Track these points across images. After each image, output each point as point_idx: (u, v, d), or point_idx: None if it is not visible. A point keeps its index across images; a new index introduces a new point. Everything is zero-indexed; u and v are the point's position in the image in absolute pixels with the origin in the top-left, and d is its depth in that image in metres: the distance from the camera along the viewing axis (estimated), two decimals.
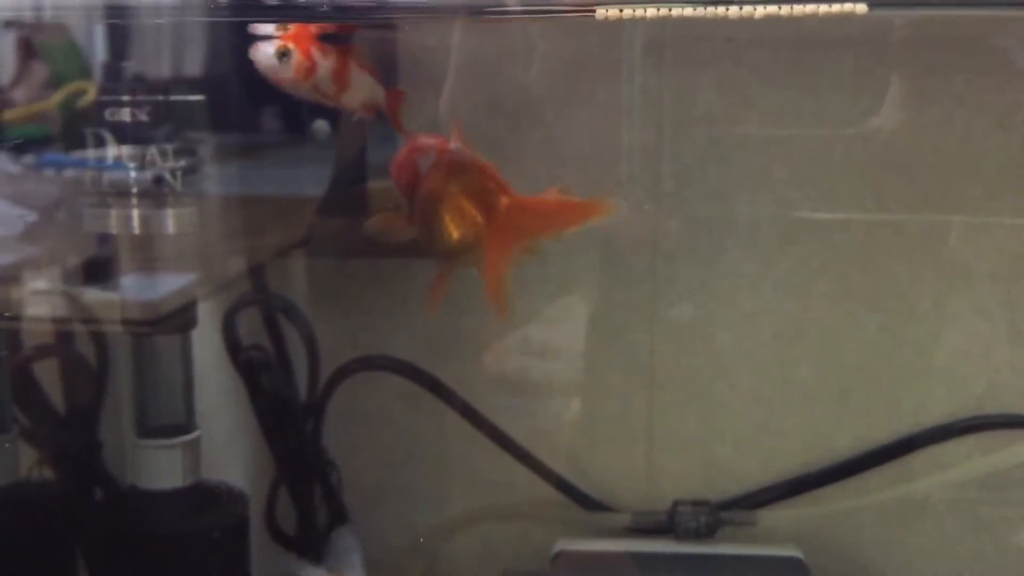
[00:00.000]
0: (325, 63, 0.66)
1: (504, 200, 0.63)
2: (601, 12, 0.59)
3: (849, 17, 0.58)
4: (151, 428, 0.75)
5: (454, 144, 0.64)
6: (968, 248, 0.77)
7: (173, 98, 0.71)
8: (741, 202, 0.78)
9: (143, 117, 0.70)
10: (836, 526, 0.80)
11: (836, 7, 0.55)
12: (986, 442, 0.77)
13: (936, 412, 0.78)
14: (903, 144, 0.76)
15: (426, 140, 0.65)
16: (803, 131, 0.76)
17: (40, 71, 0.76)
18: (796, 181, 0.77)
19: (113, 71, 0.73)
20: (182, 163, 0.71)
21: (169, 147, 0.70)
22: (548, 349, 0.81)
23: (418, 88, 0.75)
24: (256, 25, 0.65)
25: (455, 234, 0.63)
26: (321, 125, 0.77)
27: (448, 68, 0.74)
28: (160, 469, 0.74)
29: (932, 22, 0.74)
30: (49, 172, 0.73)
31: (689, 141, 0.77)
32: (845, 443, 0.79)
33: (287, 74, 0.64)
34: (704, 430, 0.80)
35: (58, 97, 0.74)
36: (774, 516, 0.79)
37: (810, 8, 0.55)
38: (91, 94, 0.72)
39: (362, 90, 0.69)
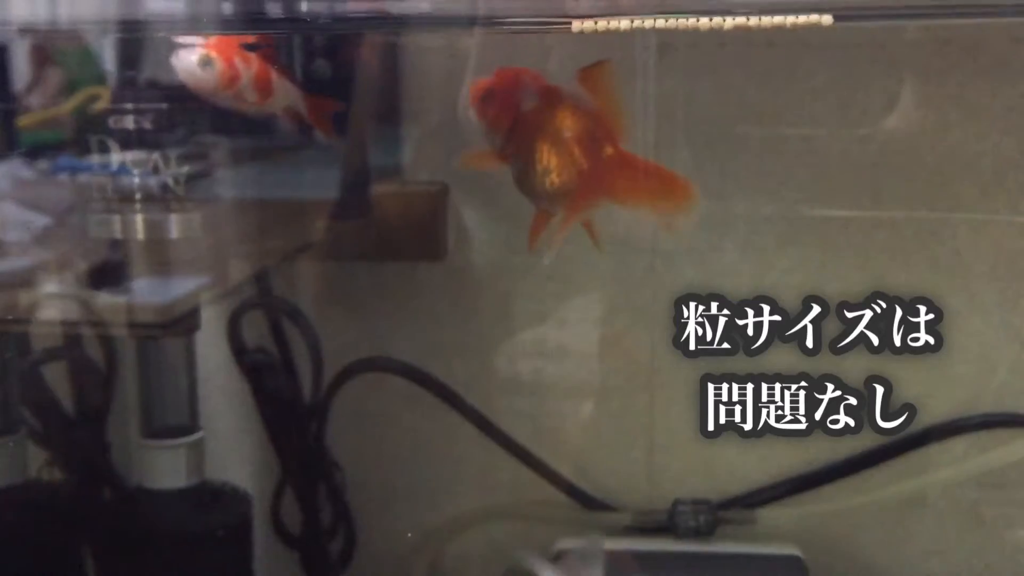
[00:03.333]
0: (248, 71, 0.66)
1: (609, 150, 0.60)
2: (576, 24, 0.59)
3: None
4: (156, 429, 0.76)
5: (572, 87, 0.60)
6: (967, 246, 0.77)
7: (181, 105, 0.72)
8: (739, 203, 0.78)
9: (146, 124, 0.71)
10: (836, 525, 0.80)
11: (803, 18, 0.55)
12: (985, 440, 0.77)
13: (935, 411, 0.77)
14: (901, 144, 0.76)
15: (526, 76, 0.61)
16: (801, 131, 0.77)
17: (55, 76, 0.76)
18: (794, 182, 0.77)
19: (122, 78, 0.75)
20: (186, 169, 0.72)
21: (172, 153, 0.71)
22: (549, 350, 0.81)
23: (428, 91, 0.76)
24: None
25: (556, 180, 0.60)
26: None
27: (464, 71, 0.74)
28: (165, 469, 0.75)
29: (929, 25, 0.74)
30: (63, 177, 0.74)
31: (687, 142, 0.78)
32: (845, 442, 0.79)
33: (209, 82, 0.64)
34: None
35: (72, 102, 0.75)
36: (774, 515, 0.79)
37: (778, 19, 0.56)
38: (105, 99, 0.73)
39: (284, 97, 0.70)
